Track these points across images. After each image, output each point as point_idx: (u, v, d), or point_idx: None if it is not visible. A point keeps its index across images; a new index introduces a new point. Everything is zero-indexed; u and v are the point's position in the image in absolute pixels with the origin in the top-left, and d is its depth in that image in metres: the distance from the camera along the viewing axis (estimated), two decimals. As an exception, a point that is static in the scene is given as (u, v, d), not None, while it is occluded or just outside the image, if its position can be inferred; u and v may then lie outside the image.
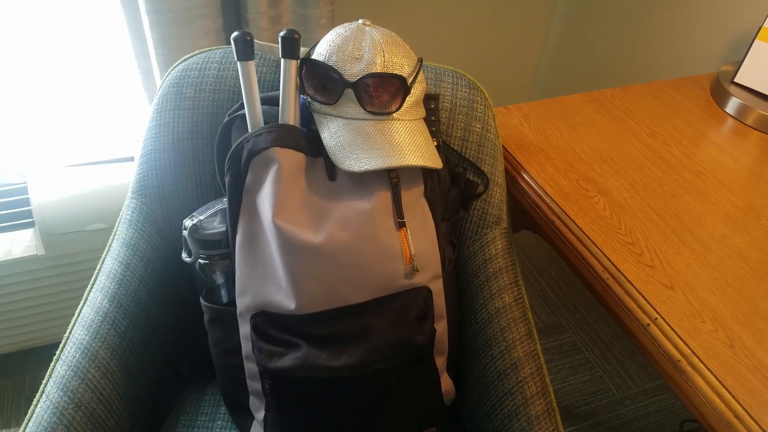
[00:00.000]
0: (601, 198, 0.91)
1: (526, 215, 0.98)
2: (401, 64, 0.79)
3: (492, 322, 0.88)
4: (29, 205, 1.31)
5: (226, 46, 0.96)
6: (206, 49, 0.96)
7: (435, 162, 0.78)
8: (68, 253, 1.31)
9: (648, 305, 0.76)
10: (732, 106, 1.11)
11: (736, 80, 1.13)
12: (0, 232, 1.31)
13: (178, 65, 0.95)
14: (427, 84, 0.94)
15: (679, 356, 0.71)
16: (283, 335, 0.76)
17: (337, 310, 0.76)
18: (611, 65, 1.70)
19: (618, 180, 0.94)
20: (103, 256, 0.89)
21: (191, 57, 0.95)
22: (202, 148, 0.93)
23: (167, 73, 0.95)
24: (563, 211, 0.88)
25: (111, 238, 0.90)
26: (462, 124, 0.94)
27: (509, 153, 0.99)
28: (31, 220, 1.32)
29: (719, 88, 1.14)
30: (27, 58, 1.38)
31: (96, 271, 0.87)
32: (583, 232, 0.85)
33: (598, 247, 0.83)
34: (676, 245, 0.84)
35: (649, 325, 0.75)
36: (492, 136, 0.94)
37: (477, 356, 0.89)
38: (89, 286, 0.85)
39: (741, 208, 0.91)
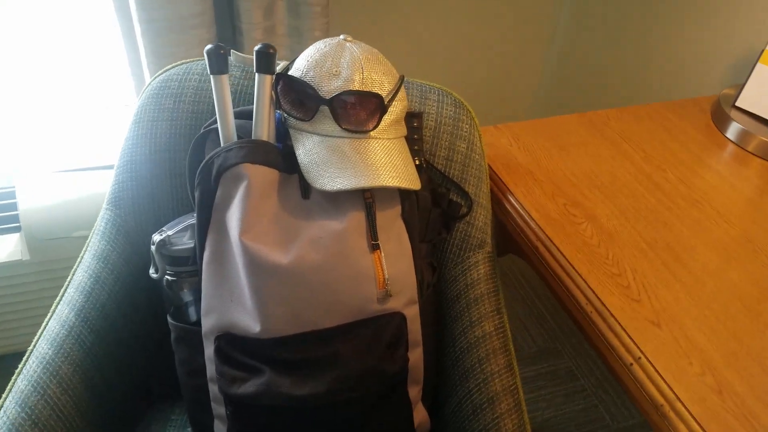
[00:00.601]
0: (589, 225, 0.87)
1: (513, 239, 0.94)
2: (381, 81, 0.77)
3: (471, 351, 0.84)
4: (16, 210, 1.29)
5: (209, 56, 0.94)
6: (188, 60, 0.94)
7: (412, 183, 0.75)
8: (53, 259, 1.30)
9: (632, 343, 0.72)
10: (732, 131, 1.07)
11: (737, 104, 1.09)
12: (-15, 237, 1.29)
13: (158, 75, 0.93)
14: (411, 101, 0.92)
15: (662, 400, 0.67)
16: (247, 359, 0.73)
17: (305, 334, 0.73)
18: (612, 86, 1.67)
19: (608, 206, 0.91)
20: (74, 267, 0.86)
21: (172, 68, 0.93)
22: (179, 161, 0.90)
23: (148, 83, 0.93)
24: (548, 237, 0.85)
25: (83, 249, 0.88)
26: (446, 143, 0.91)
27: (496, 174, 0.95)
28: (17, 224, 1.31)
29: (720, 112, 1.10)
30: (20, 62, 1.37)
31: (66, 283, 0.85)
32: (567, 261, 0.81)
33: (582, 278, 0.79)
34: (666, 278, 0.80)
35: (632, 364, 0.71)
36: (477, 156, 0.91)
37: (454, 387, 0.85)
38: (57, 298, 0.83)
39: (737, 240, 0.87)
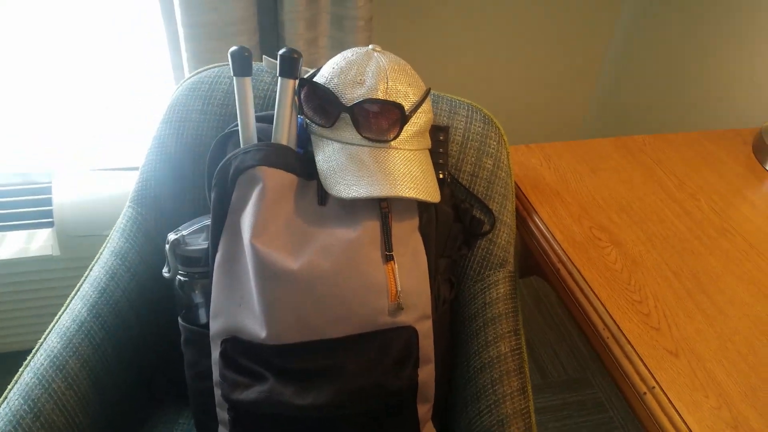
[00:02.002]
0: (614, 249, 0.84)
1: (536, 260, 0.92)
2: (405, 92, 0.76)
3: (484, 371, 0.82)
4: (51, 206, 1.32)
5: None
6: (221, 63, 0.95)
7: (431, 195, 0.74)
8: (82, 256, 1.32)
9: (647, 371, 0.69)
10: (774, 163, 1.03)
11: (780, 136, 1.05)
12: (20, 230, 1.32)
13: (191, 77, 0.94)
14: (440, 115, 0.91)
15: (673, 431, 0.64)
16: (251, 365, 0.72)
17: (310, 343, 0.72)
18: (656, 114, 1.63)
19: (635, 231, 0.88)
20: (92, 263, 0.87)
21: (204, 71, 0.94)
22: (203, 162, 0.91)
23: (179, 85, 0.94)
24: (569, 259, 0.82)
25: (104, 245, 0.89)
26: (473, 159, 0.89)
27: (522, 193, 0.93)
28: (51, 220, 1.34)
29: (761, 145, 1.06)
30: (66, 62, 1.41)
31: (83, 278, 0.85)
32: (588, 284, 0.79)
33: (601, 302, 0.77)
34: (689, 308, 0.77)
35: (645, 393, 0.68)
36: (504, 174, 0.89)
37: (465, 407, 0.83)
38: (73, 292, 0.84)
39: (769, 274, 0.83)
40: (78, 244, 1.31)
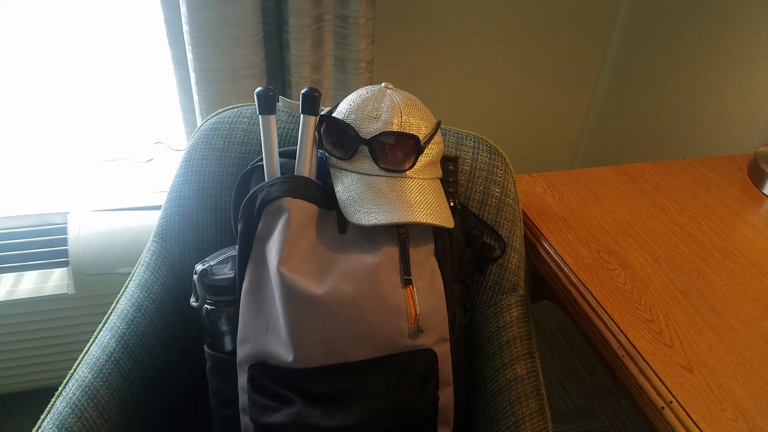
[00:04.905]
0: (623, 271, 0.88)
1: (547, 285, 0.95)
2: (418, 125, 0.80)
3: (502, 394, 0.84)
4: (66, 245, 1.35)
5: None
6: (239, 104, 1.00)
7: (446, 221, 0.77)
8: (97, 294, 1.34)
9: (663, 387, 0.71)
10: (770, 187, 1.07)
11: (775, 161, 1.10)
12: (36, 270, 1.35)
13: (211, 117, 0.98)
14: (448, 147, 0.95)
15: (693, 444, 0.66)
16: (279, 389, 0.74)
17: (335, 366, 0.74)
18: (649, 142, 1.68)
19: (642, 254, 0.91)
20: (118, 296, 0.90)
21: (224, 111, 0.98)
22: (225, 197, 0.95)
23: (201, 124, 0.98)
24: (581, 281, 0.85)
25: (128, 279, 0.92)
26: (481, 188, 0.93)
27: (530, 220, 0.97)
28: (66, 259, 1.36)
29: (757, 169, 1.10)
30: (80, 107, 1.45)
31: (109, 311, 0.88)
32: (600, 305, 0.82)
33: (614, 322, 0.79)
34: (699, 326, 0.80)
35: (663, 408, 0.70)
36: (512, 202, 0.93)
37: (485, 430, 0.85)
38: (100, 324, 0.86)
39: (773, 292, 0.86)
40: (93, 283, 1.33)
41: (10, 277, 1.32)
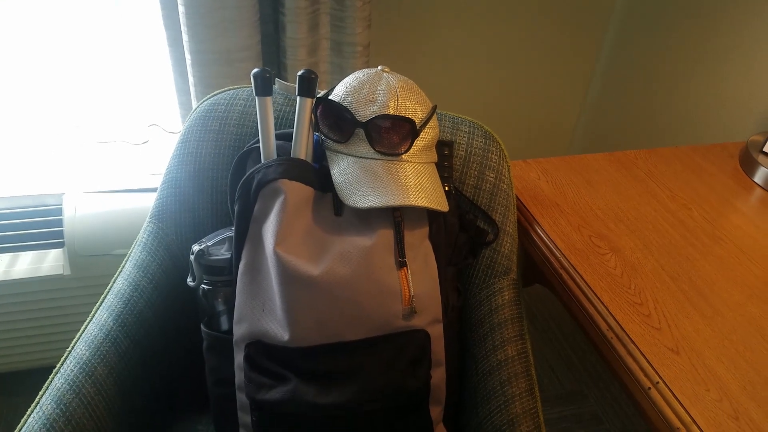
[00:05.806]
0: (613, 256, 0.89)
1: (538, 269, 0.96)
2: (414, 109, 0.81)
3: (493, 374, 0.86)
4: (62, 226, 1.35)
5: (254, 84, 1.00)
6: (235, 86, 1.00)
7: (440, 204, 0.78)
8: (92, 276, 1.35)
9: (650, 368, 0.73)
10: (760, 175, 1.08)
11: (765, 150, 1.11)
12: (31, 250, 1.35)
13: (207, 99, 0.98)
14: (443, 132, 0.96)
15: (678, 423, 0.68)
16: (275, 367, 0.76)
17: (330, 345, 0.76)
18: (644, 129, 1.69)
19: (632, 239, 0.93)
20: (115, 276, 0.91)
21: (220, 93, 0.99)
22: (221, 179, 0.95)
23: (196, 107, 0.99)
24: (572, 265, 0.87)
25: (125, 259, 0.93)
26: (475, 173, 0.94)
27: (523, 205, 0.98)
28: (61, 240, 1.37)
29: (748, 157, 1.12)
30: (76, 88, 1.45)
31: (106, 290, 0.89)
32: (591, 288, 0.83)
33: (604, 305, 0.81)
34: (687, 309, 0.81)
35: (650, 388, 0.72)
36: (505, 187, 0.94)
37: (475, 409, 0.86)
38: (97, 303, 0.87)
39: (760, 278, 0.88)
40: (88, 264, 1.34)
41: (5, 257, 1.32)
